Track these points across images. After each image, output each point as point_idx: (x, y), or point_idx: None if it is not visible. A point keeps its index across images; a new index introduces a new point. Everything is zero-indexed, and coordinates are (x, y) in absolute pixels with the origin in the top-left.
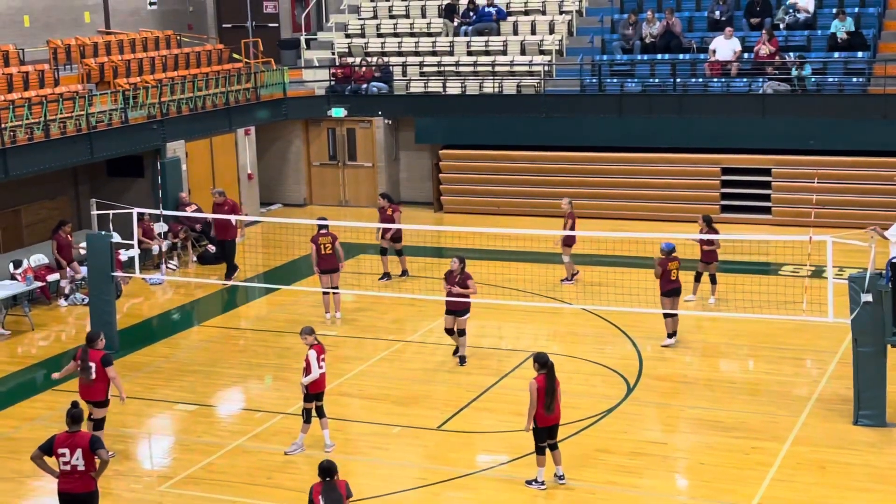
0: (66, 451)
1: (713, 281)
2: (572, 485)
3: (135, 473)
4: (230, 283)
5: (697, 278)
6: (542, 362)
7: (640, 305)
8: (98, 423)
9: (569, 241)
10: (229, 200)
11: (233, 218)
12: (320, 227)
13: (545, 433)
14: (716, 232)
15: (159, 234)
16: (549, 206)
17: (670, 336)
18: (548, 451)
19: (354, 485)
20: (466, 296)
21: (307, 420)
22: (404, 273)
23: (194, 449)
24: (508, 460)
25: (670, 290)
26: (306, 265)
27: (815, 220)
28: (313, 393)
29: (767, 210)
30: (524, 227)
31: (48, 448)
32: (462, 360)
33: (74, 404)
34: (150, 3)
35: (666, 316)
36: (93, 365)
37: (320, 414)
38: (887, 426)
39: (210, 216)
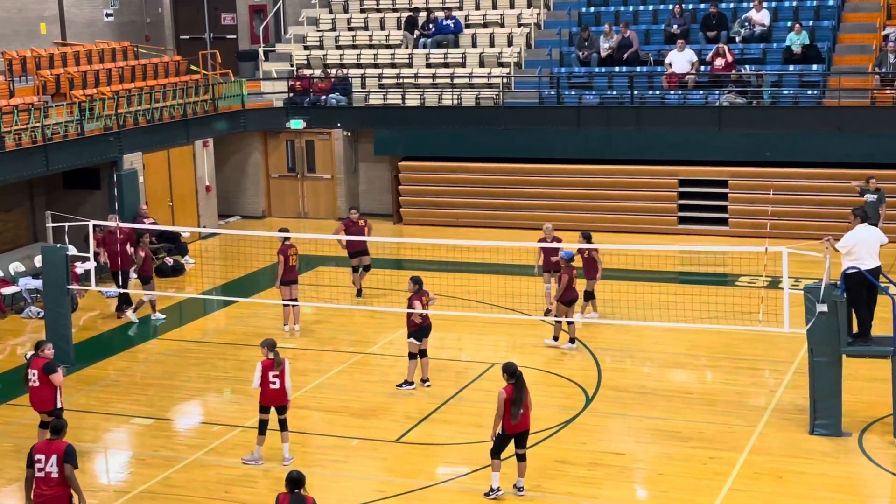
0: (42, 457)
1: (591, 297)
2: (531, 496)
3: (91, 488)
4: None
5: (588, 296)
6: (511, 372)
7: (600, 316)
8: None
9: (567, 298)
10: (125, 229)
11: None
12: (285, 238)
13: (508, 440)
14: (594, 248)
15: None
16: (507, 218)
17: (555, 338)
18: (505, 460)
19: (315, 498)
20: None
21: (261, 432)
22: (358, 293)
23: (151, 463)
24: (468, 472)
25: (570, 299)
26: (265, 277)
27: (770, 231)
28: (265, 405)
29: (724, 221)
30: (483, 238)
31: (30, 459)
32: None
33: (57, 415)
34: (107, 15)
35: (557, 322)
36: (35, 372)
37: (282, 427)
38: (842, 435)
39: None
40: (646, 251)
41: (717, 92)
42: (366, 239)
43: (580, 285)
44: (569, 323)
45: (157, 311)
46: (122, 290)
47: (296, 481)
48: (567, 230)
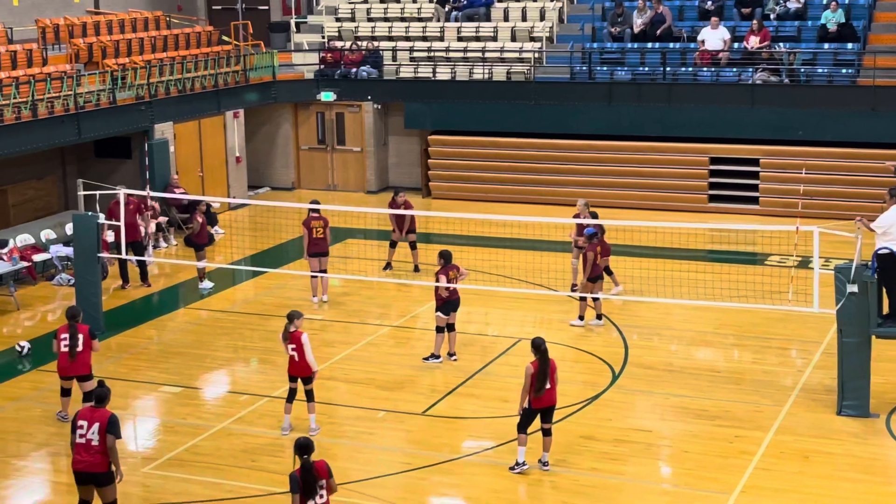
0: (85, 423)
1: (608, 272)
2: (556, 471)
3: (119, 455)
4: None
5: (607, 271)
6: (536, 346)
7: (626, 293)
8: (87, 396)
9: (594, 275)
10: (135, 199)
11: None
12: (312, 210)
13: (535, 415)
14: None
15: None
16: (536, 194)
17: (581, 318)
18: (530, 435)
19: (339, 469)
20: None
21: (288, 400)
22: (416, 269)
23: (179, 431)
24: (493, 446)
25: (596, 276)
26: (294, 249)
27: (802, 210)
28: (291, 375)
29: (755, 200)
30: (512, 213)
31: (73, 425)
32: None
33: (101, 383)
34: None
35: (582, 299)
36: (81, 336)
37: (308, 398)
38: (870, 416)
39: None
40: (675, 229)
41: (750, 70)
42: (395, 212)
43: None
44: (594, 299)
45: (205, 280)
46: (139, 259)
47: (304, 447)
48: (596, 206)
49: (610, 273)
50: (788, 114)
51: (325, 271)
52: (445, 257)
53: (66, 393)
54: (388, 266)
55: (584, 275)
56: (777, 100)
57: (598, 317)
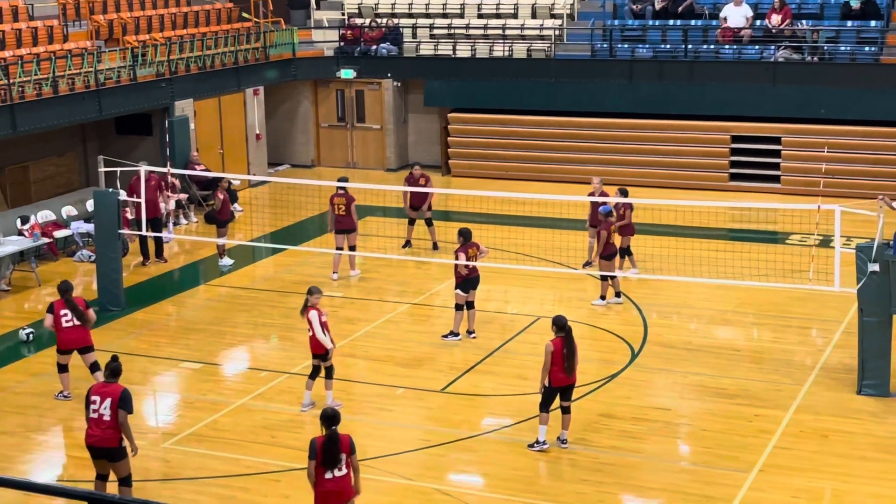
0: (98, 398)
1: (628, 253)
2: (575, 449)
3: (139, 430)
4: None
5: (625, 253)
6: (561, 325)
7: (645, 272)
8: (94, 367)
9: (608, 252)
10: (155, 176)
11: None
12: (338, 187)
13: (556, 393)
14: (628, 204)
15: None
16: (557, 172)
17: (602, 298)
18: (551, 413)
19: (357, 445)
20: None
21: (310, 377)
22: (434, 247)
23: (199, 407)
24: (512, 423)
25: (610, 254)
26: (313, 226)
27: (823, 189)
28: (314, 352)
29: (776, 179)
30: (532, 191)
31: (86, 400)
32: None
33: (114, 358)
34: None
35: (602, 278)
36: (66, 312)
37: (326, 375)
38: (890, 396)
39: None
40: (696, 207)
41: (772, 47)
42: (415, 190)
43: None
44: (612, 277)
45: (225, 256)
46: (156, 235)
47: (331, 418)
48: (616, 185)
49: (629, 254)
50: (810, 92)
51: (352, 248)
52: (465, 235)
53: (63, 369)
54: (407, 244)
55: (597, 253)
56: (799, 78)
57: (617, 294)
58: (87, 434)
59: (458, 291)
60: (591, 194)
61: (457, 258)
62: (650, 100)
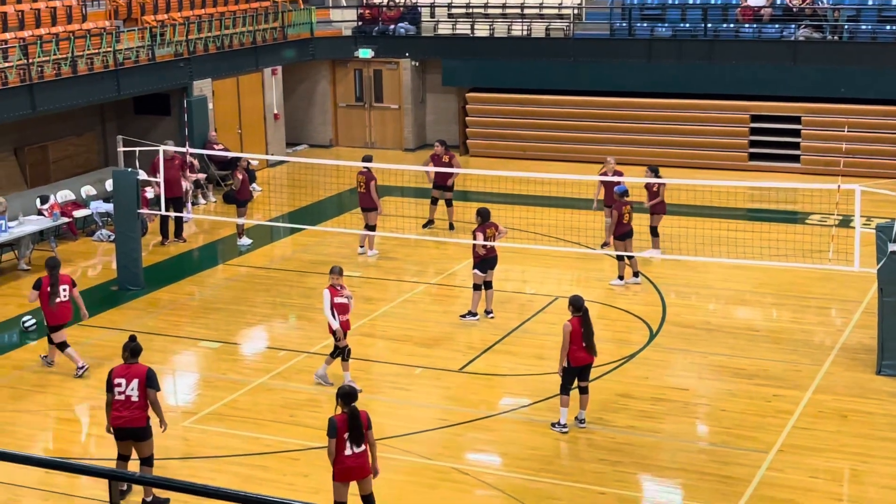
0: (123, 381)
1: (654, 234)
2: (593, 429)
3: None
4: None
5: (653, 232)
6: (577, 305)
7: (664, 252)
8: (62, 345)
9: (620, 232)
10: (178, 156)
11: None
12: (363, 165)
13: (576, 373)
14: (662, 182)
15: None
16: (575, 151)
17: (620, 278)
18: (573, 392)
19: (376, 424)
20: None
21: (330, 354)
22: (450, 226)
23: (218, 386)
24: (530, 403)
25: (624, 234)
26: (332, 206)
27: (843, 168)
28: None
29: (796, 158)
30: (550, 171)
31: (109, 384)
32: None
33: (132, 338)
34: None
35: (619, 258)
36: (66, 287)
37: (343, 356)
38: None
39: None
40: (715, 187)
41: (792, 26)
42: (439, 170)
43: (644, 221)
44: (629, 257)
45: (243, 236)
46: (177, 214)
47: (349, 395)
48: (635, 165)
49: (655, 235)
50: (831, 71)
51: (371, 227)
52: (483, 215)
53: (64, 346)
54: (429, 223)
55: (611, 233)
56: (820, 57)
57: (635, 274)
58: (113, 416)
59: (476, 271)
60: (604, 174)
61: (474, 238)
62: (669, 79)
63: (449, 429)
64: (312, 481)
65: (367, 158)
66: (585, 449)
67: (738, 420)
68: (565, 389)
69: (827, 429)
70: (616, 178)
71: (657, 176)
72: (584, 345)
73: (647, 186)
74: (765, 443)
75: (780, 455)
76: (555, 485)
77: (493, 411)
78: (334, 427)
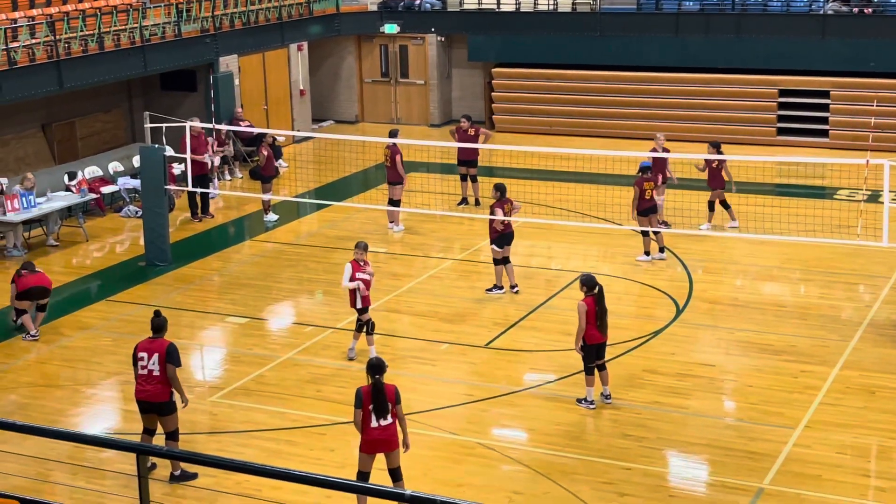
0: (145, 354)
1: (725, 206)
2: (619, 404)
3: (187, 384)
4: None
5: (710, 206)
6: (591, 285)
7: (691, 227)
8: (42, 307)
9: (642, 208)
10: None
11: (207, 159)
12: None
13: (594, 351)
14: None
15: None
16: (602, 127)
17: (647, 253)
18: (596, 371)
19: (402, 399)
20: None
21: (356, 329)
22: (476, 202)
23: (245, 361)
24: (556, 379)
25: (646, 209)
26: (357, 181)
27: (872, 143)
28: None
29: (825, 133)
30: (577, 147)
31: (134, 358)
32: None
33: (157, 313)
34: None
35: (643, 234)
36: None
37: (368, 330)
38: None
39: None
40: (743, 162)
41: (821, 0)
42: (468, 146)
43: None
44: (655, 233)
45: (270, 212)
46: (203, 190)
47: (377, 367)
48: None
49: (727, 207)
50: (860, 44)
51: (395, 202)
52: (501, 190)
53: (22, 312)
54: (463, 201)
55: (634, 209)
56: (848, 30)
57: (661, 250)
58: (137, 390)
59: (494, 247)
60: (653, 150)
61: (492, 213)
62: (697, 53)
63: (474, 404)
64: (339, 455)
65: (394, 133)
66: (610, 425)
67: (765, 396)
68: (589, 369)
69: (854, 405)
70: (650, 155)
71: (719, 152)
72: (597, 324)
73: (707, 162)
74: (792, 419)
75: (806, 431)
76: (580, 460)
77: (519, 387)
78: (360, 398)
